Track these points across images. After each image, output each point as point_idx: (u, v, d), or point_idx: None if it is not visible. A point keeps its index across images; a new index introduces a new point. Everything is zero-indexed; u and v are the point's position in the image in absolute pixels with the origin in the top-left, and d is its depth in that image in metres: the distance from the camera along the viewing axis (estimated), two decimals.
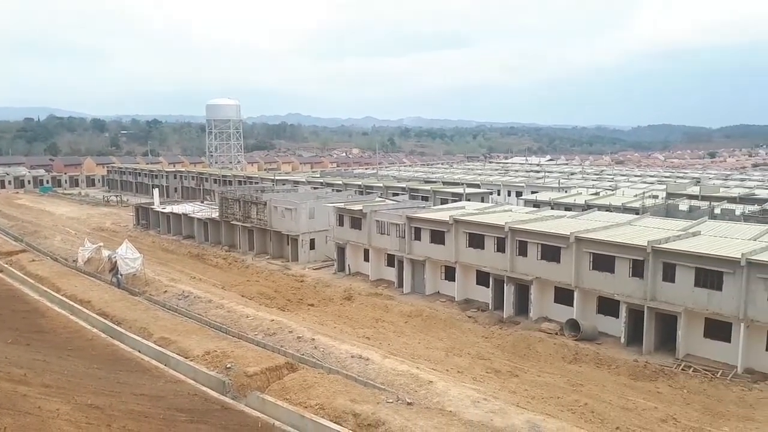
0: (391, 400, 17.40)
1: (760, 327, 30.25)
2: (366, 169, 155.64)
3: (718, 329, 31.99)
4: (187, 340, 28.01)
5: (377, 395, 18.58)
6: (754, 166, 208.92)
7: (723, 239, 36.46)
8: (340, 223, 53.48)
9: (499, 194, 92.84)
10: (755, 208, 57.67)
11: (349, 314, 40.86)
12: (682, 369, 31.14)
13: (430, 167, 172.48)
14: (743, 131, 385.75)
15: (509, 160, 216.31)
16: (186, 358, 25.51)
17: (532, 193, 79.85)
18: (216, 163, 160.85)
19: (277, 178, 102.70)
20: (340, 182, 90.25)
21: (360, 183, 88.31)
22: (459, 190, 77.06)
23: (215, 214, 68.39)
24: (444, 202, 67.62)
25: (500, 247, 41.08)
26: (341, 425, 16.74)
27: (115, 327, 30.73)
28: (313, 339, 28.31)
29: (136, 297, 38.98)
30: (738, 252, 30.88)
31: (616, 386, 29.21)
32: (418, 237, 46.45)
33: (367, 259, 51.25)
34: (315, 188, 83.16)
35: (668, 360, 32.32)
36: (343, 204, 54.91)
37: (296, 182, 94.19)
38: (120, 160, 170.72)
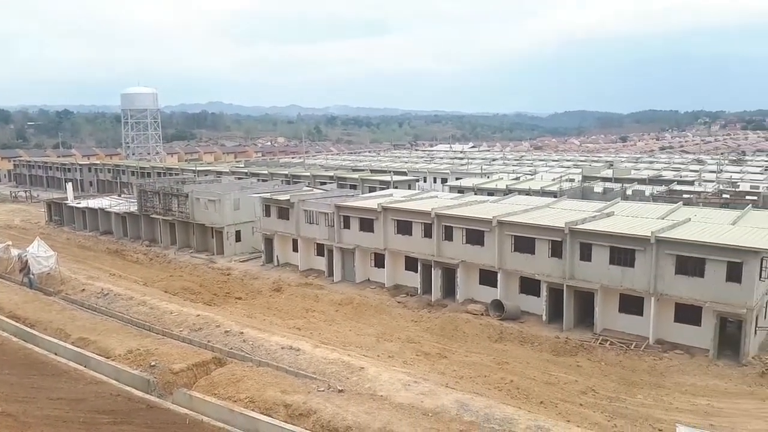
0: (322, 389, 17.42)
1: (669, 300, 32.36)
2: (292, 158, 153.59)
3: (631, 304, 33.95)
4: (108, 339, 26.86)
5: (308, 385, 18.55)
6: (661, 149, 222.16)
7: (634, 219, 38.62)
8: (267, 213, 52.63)
9: (425, 181, 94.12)
10: (663, 188, 61.52)
11: (279, 306, 40.43)
12: (600, 343, 32.87)
13: (357, 155, 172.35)
14: (651, 116, 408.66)
15: (434, 148, 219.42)
16: (107, 358, 24.47)
17: (457, 179, 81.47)
18: (133, 154, 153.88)
19: (199, 168, 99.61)
20: (266, 172, 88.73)
21: (287, 172, 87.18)
22: (386, 177, 77.58)
23: (134, 208, 65.59)
24: (372, 190, 67.86)
25: (427, 232, 41.75)
26: (272, 417, 16.60)
27: (28, 329, 29.00)
28: (242, 332, 27.84)
29: (51, 297, 36.92)
30: (648, 230, 32.80)
31: (540, 362, 30.48)
32: (347, 225, 46.45)
33: (296, 249, 50.77)
34: (239, 178, 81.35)
35: (587, 335, 34.02)
36: (269, 194, 54.02)
37: (219, 173, 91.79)
38: (28, 153, 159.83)
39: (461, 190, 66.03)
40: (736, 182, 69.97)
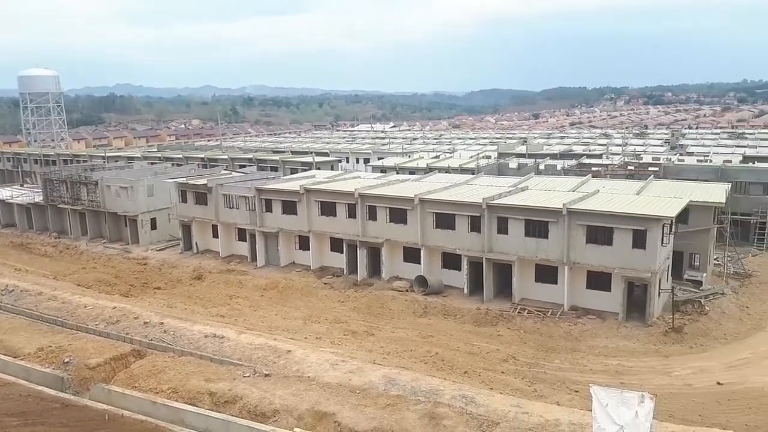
0: (248, 374, 17.20)
1: (581, 268, 34.15)
2: (209, 141, 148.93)
3: (546, 273, 35.58)
4: (15, 337, 25.21)
5: (233, 371, 18.26)
6: (572, 124, 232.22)
7: (547, 192, 40.28)
8: (184, 199, 50.83)
9: (347, 161, 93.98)
10: (573, 162, 64.45)
11: (201, 294, 39.40)
12: (518, 312, 34.29)
13: (277, 137, 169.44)
14: (561, 93, 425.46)
15: (356, 128, 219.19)
16: (15, 357, 22.99)
17: (379, 159, 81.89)
18: (35, 141, 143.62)
19: (108, 154, 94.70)
20: (181, 156, 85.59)
21: (203, 156, 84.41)
22: (308, 159, 76.77)
23: (39, 198, 61.55)
24: (294, 171, 66.99)
25: (351, 213, 41.82)
26: (197, 406, 16.24)
27: None
28: (162, 323, 26.88)
29: None
30: (560, 203, 34.35)
31: (463, 334, 31.46)
32: (269, 209, 45.69)
33: (216, 235, 49.44)
34: (152, 164, 77.90)
35: (506, 305, 35.37)
36: (185, 179, 52.17)
37: (131, 158, 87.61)
38: None
39: (383, 170, 66.46)
40: (640, 155, 74.33)
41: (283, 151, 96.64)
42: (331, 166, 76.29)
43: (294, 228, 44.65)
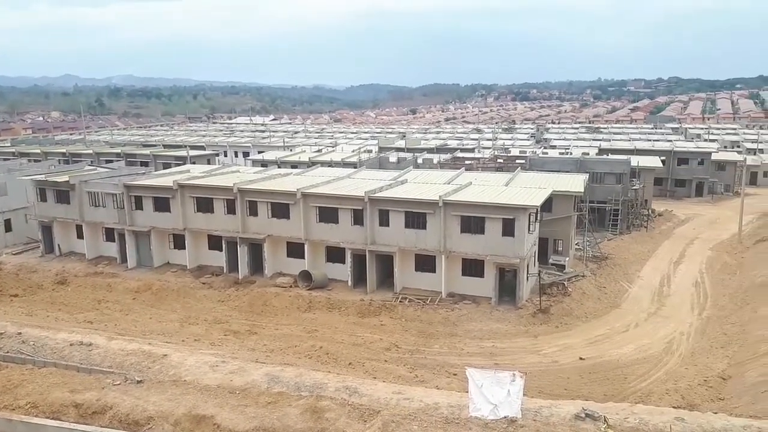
0: (118, 382, 16.16)
1: (456, 257, 35.68)
2: (71, 134, 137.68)
3: (426, 263, 36.79)
4: None
5: (102, 380, 17.06)
6: (447, 120, 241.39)
7: (425, 185, 41.57)
8: (43, 198, 46.56)
9: (225, 155, 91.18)
10: (448, 156, 67.16)
11: (65, 299, 36.43)
12: (400, 301, 35.17)
13: (148, 130, 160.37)
14: (436, 89, 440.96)
15: (234, 121, 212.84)
16: None
17: (259, 152, 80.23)
18: None
19: None
20: (39, 151, 78.49)
21: (64, 151, 78.05)
22: (182, 153, 73.46)
23: None
24: (167, 166, 63.68)
25: (230, 209, 40.55)
26: (61, 419, 15.00)
27: None
28: (20, 333, 24.56)
29: None
30: (436, 195, 35.63)
31: (347, 326, 31.73)
32: (139, 206, 43.11)
33: (81, 236, 45.80)
34: (6, 159, 70.64)
35: (388, 295, 36.13)
36: (44, 176, 47.78)
37: None
38: None
39: (264, 164, 65.21)
40: (508, 148, 79.00)
41: (155, 145, 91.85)
42: (208, 160, 73.59)
43: (168, 226, 42.50)
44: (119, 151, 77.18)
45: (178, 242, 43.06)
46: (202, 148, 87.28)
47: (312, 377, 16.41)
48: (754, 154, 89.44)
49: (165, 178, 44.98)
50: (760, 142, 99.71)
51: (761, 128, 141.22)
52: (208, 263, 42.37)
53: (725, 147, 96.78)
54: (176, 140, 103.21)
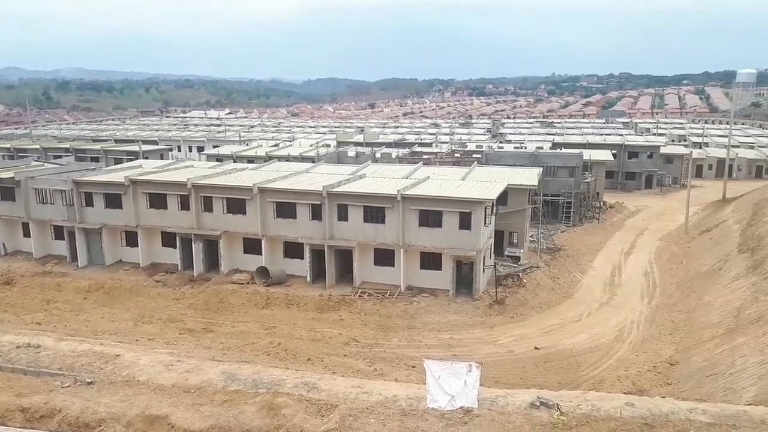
0: (67, 384, 15.66)
1: (415, 250, 35.93)
2: (16, 129, 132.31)
3: (384, 257, 36.91)
4: None
5: (51, 383, 16.50)
6: (405, 114, 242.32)
7: (383, 179, 41.71)
8: None
9: (179, 150, 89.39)
10: (406, 150, 67.44)
11: (11, 300, 35.08)
12: (359, 296, 35.23)
13: (99, 124, 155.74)
14: (394, 84, 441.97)
15: (188, 115, 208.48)
16: None
17: (214, 147, 78.93)
18: None
19: None
20: None
21: (8, 146, 75.01)
22: (135, 148, 71.72)
23: None
24: (118, 162, 62.02)
25: (185, 204, 39.76)
26: (6, 425, 14.43)
27: None
28: None
29: None
30: (395, 189, 35.76)
31: (306, 321, 31.58)
32: (90, 203, 41.82)
33: (27, 234, 44.11)
34: None
35: (348, 290, 36.14)
36: None
37: None
38: None
39: (219, 159, 64.21)
40: (465, 143, 79.85)
41: (106, 140, 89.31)
42: (161, 155, 72.06)
43: (120, 223, 41.38)
44: (68, 146, 74.70)
45: (131, 239, 42.00)
46: (155, 142, 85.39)
47: (270, 374, 16.26)
48: (700, 147, 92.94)
49: (116, 174, 43.78)
50: (705, 137, 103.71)
51: (706, 123, 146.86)
52: (162, 261, 41.47)
53: (673, 141, 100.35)
54: (128, 135, 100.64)
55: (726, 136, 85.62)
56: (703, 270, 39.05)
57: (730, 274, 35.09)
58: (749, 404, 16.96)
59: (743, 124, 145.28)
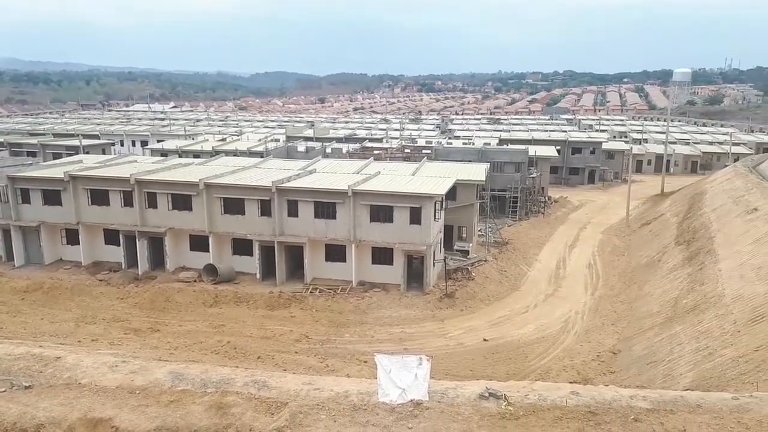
0: (3, 389, 14.92)
1: (366, 245, 35.97)
2: None
3: (336, 252, 36.80)
4: None
5: None
6: (355, 109, 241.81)
7: (334, 175, 41.52)
8: None
9: (122, 145, 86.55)
10: (357, 146, 67.34)
11: None
12: (311, 292, 35.01)
13: (36, 117, 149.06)
14: (344, 79, 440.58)
15: (131, 108, 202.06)
16: None
17: (159, 142, 76.72)
18: None
19: None
20: None
21: None
22: (75, 142, 68.94)
23: None
24: (57, 156, 59.47)
25: (128, 201, 38.54)
26: None
27: None
28: None
29: None
30: (346, 185, 35.67)
31: (255, 319, 31.18)
32: (26, 200, 39.98)
33: None
34: None
35: (299, 286, 35.86)
36: None
37: None
38: None
39: (164, 154, 62.45)
40: (415, 138, 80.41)
41: (43, 134, 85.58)
42: (103, 149, 69.55)
43: (59, 220, 39.77)
44: (2, 140, 71.17)
45: (72, 237, 40.44)
46: (96, 137, 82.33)
47: (218, 373, 15.94)
48: (640, 144, 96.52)
49: (55, 169, 42.03)
50: (645, 133, 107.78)
51: (646, 120, 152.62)
52: (105, 259, 40.12)
53: (614, 137, 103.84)
54: (68, 129, 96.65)
55: (664, 133, 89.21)
56: (643, 262, 40.64)
57: (668, 266, 36.66)
58: (686, 389, 17.79)
59: (680, 121, 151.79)
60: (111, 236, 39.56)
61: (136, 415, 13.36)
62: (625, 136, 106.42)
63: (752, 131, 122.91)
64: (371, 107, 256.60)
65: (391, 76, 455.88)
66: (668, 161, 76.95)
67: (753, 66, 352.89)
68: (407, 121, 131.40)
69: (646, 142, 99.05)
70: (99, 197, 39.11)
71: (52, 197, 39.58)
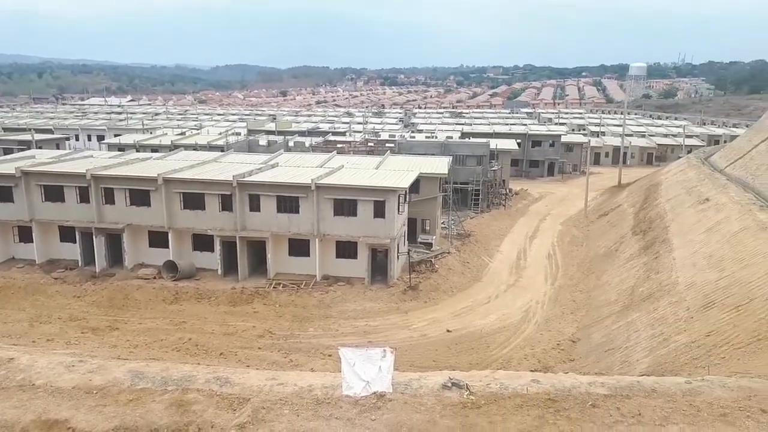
0: None
1: (330, 239, 35.86)
2: None
3: (299, 247, 36.58)
4: None
5: None
6: (317, 103, 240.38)
7: (297, 168, 41.21)
8: None
9: (77, 139, 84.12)
10: (320, 139, 66.94)
11: None
12: (274, 287, 34.74)
13: None
14: (307, 72, 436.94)
15: (86, 102, 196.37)
16: None
17: (116, 136, 74.76)
18: None
19: None
20: None
21: None
22: (27, 137, 66.63)
23: None
24: (8, 152, 57.35)
25: (84, 197, 37.50)
26: None
27: None
28: None
29: None
30: (309, 179, 35.45)
31: (217, 315, 30.79)
32: None
33: None
34: None
35: (262, 281, 35.54)
36: None
37: None
38: None
39: (121, 148, 60.85)
40: (378, 132, 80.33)
41: None
42: (57, 144, 67.40)
43: (11, 218, 38.43)
44: None
45: (25, 235, 39.14)
46: (50, 131, 79.79)
47: (180, 370, 15.71)
48: (597, 136, 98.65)
49: (6, 165, 40.53)
50: (602, 126, 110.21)
51: (603, 113, 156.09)
52: (60, 257, 38.99)
53: (573, 130, 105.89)
54: (19, 123, 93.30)
55: (621, 126, 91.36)
56: (601, 252, 41.65)
57: (624, 255, 37.66)
58: (642, 375, 18.35)
59: (636, 114, 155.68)
60: (66, 233, 38.45)
61: (94, 416, 13.06)
62: (584, 129, 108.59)
63: (704, 124, 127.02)
64: (334, 101, 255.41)
65: (353, 69, 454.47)
66: (625, 153, 78.88)
67: (705, 60, 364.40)
68: (370, 114, 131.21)
69: (604, 135, 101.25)
70: (53, 193, 37.94)
71: (2, 194, 38.22)
